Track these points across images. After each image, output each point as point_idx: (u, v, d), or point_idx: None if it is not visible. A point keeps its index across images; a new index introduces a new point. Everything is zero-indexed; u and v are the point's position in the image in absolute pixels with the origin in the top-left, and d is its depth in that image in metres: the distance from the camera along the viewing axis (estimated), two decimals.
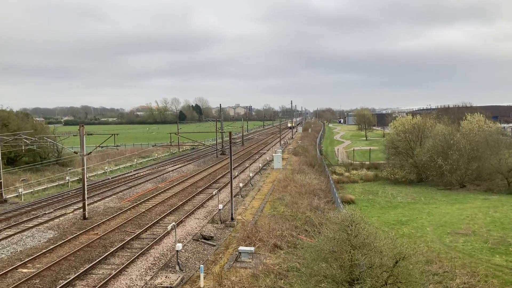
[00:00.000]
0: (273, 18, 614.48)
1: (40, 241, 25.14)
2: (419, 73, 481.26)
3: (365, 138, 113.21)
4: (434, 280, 20.84)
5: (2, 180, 37.79)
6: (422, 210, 38.01)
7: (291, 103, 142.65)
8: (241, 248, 22.22)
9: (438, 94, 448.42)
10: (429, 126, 59.38)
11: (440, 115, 77.87)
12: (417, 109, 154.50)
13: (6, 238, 25.37)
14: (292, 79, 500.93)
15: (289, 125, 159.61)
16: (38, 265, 20.93)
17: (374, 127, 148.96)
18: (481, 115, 60.92)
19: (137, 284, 18.55)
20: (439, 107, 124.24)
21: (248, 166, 56.00)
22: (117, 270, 19.66)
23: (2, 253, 22.90)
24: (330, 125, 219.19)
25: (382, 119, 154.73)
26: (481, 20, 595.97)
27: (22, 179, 43.56)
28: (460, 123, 61.10)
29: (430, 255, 24.44)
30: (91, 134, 35.12)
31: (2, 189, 37.71)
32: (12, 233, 26.39)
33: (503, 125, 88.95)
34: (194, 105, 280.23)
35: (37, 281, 18.98)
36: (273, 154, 60.06)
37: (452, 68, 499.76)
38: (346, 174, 59.55)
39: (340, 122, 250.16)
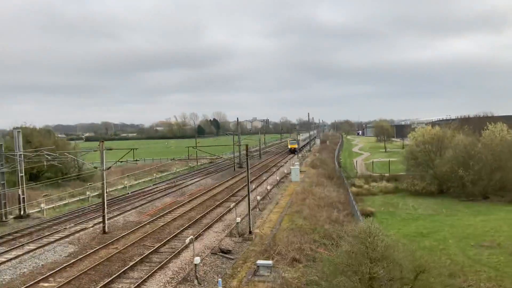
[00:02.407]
0: (282, 33, 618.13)
1: (61, 255, 25.50)
2: (434, 83, 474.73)
3: (384, 150, 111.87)
4: None
5: (25, 196, 38.59)
6: (444, 222, 37.23)
7: (308, 115, 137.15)
8: (259, 261, 22.10)
9: (457, 105, 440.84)
10: (449, 137, 58.43)
11: (460, 125, 76.54)
12: (436, 119, 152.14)
13: (28, 252, 25.84)
14: (306, 91, 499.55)
15: (290, 146, 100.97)
16: (59, 279, 21.18)
17: (393, 139, 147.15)
18: (504, 125, 59.68)
19: None
20: (459, 117, 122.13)
21: (265, 179, 55.89)
22: (136, 284, 19.76)
23: (24, 268, 23.30)
24: (349, 137, 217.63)
25: (401, 130, 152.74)
26: (489, 30, 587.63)
27: (44, 194, 44.36)
28: (481, 133, 59.93)
29: (453, 268, 23.86)
30: (110, 149, 35.68)
31: (25, 204, 38.49)
32: (34, 247, 26.86)
33: None
34: (212, 119, 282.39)
35: None
36: (291, 167, 59.87)
37: (468, 78, 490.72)
38: (366, 186, 58.81)
39: (358, 134, 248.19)
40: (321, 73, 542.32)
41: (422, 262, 13.24)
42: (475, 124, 75.49)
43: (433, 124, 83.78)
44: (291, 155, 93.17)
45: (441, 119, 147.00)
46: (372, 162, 79.86)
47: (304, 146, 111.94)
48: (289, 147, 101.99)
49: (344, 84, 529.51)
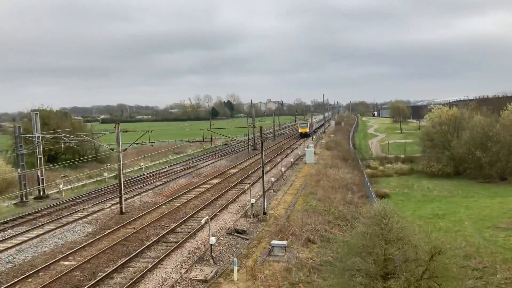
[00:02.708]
0: (296, 13, 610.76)
1: (79, 235, 26.11)
2: (452, 63, 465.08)
3: (399, 131, 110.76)
4: (473, 275, 20.26)
5: (44, 177, 39.41)
6: (460, 203, 36.94)
7: (323, 96, 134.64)
8: (274, 242, 22.31)
9: (475, 85, 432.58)
10: (467, 117, 57.44)
11: (479, 106, 75.07)
12: (453, 100, 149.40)
13: (48, 232, 26.51)
14: (321, 73, 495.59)
15: (300, 130, 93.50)
16: (79, 258, 21.75)
17: (409, 120, 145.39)
18: None
19: (172, 277, 18.98)
20: (477, 97, 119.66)
21: (280, 161, 55.92)
22: (153, 263, 20.17)
23: (45, 246, 23.96)
24: (364, 118, 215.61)
25: (417, 111, 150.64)
26: (510, 7, 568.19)
27: (62, 175, 45.25)
28: (500, 114, 58.76)
29: (469, 250, 23.78)
30: (126, 131, 35.98)
31: (44, 185, 39.34)
32: (54, 227, 27.54)
33: None
34: (226, 101, 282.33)
35: (78, 273, 19.75)
36: (305, 149, 59.74)
37: (487, 57, 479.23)
38: (380, 168, 58.53)
39: (374, 115, 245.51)
40: (335, 54, 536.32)
41: (438, 243, 13.18)
42: (494, 105, 73.91)
43: (451, 104, 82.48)
44: (304, 138, 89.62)
45: (458, 99, 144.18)
46: (388, 143, 79.16)
47: (317, 128, 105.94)
48: (299, 131, 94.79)
49: (360, 65, 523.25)
